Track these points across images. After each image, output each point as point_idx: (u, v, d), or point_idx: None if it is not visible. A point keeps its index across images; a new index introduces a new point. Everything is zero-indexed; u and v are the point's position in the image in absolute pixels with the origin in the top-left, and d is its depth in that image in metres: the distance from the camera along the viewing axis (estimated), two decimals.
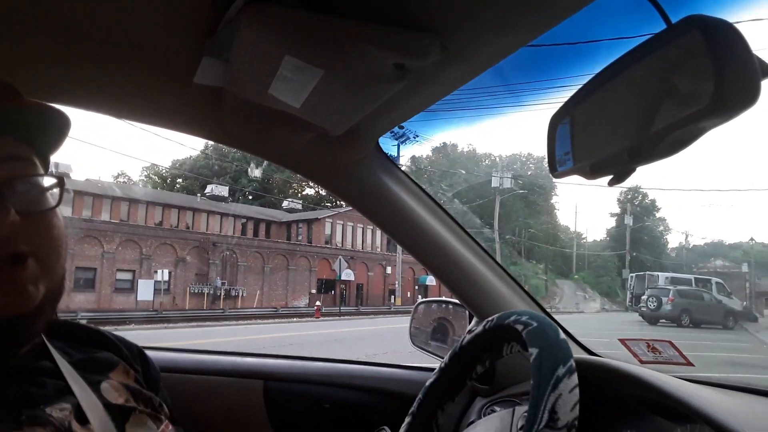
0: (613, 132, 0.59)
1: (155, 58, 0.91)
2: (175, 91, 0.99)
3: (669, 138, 0.52)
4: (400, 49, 0.70)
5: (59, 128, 0.80)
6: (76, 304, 22.73)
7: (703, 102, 0.47)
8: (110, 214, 28.49)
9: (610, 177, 0.60)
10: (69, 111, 0.81)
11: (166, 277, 26.63)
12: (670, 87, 0.51)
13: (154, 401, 0.89)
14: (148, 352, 1.03)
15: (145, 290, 25.76)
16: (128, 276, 26.65)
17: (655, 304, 22.41)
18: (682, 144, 0.52)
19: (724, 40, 0.47)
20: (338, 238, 36.70)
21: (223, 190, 37.33)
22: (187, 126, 1.16)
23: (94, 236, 25.59)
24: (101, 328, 0.99)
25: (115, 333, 1.00)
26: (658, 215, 60.62)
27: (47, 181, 0.77)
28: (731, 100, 0.46)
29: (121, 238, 26.46)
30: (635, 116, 0.56)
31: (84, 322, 1.03)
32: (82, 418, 0.75)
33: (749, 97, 0.46)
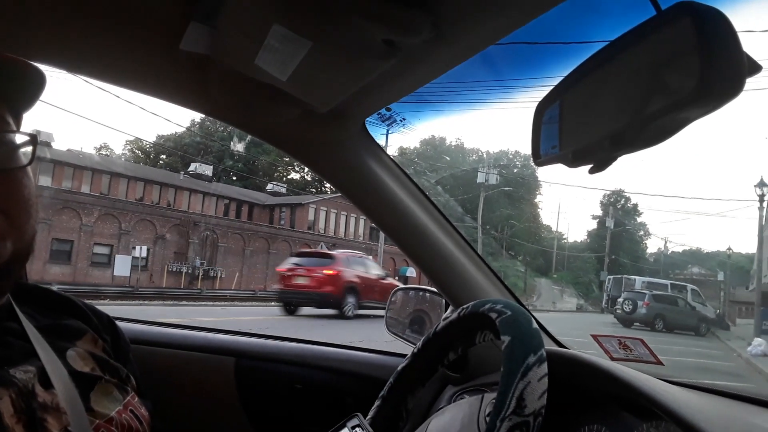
0: (598, 119, 0.59)
1: (142, 22, 0.88)
2: (161, 57, 0.97)
3: (652, 126, 0.52)
4: (390, 25, 0.69)
5: (34, 85, 0.79)
6: (51, 276, 22.49)
7: (687, 90, 0.47)
8: (90, 187, 28.12)
9: (590, 165, 0.60)
10: (52, 72, 0.79)
11: (144, 254, 26.42)
12: (657, 74, 0.51)
13: (121, 372, 0.88)
14: (120, 323, 1.02)
15: (122, 266, 25.51)
16: (106, 250, 26.39)
17: (631, 307, 22.72)
18: (665, 134, 0.52)
19: (714, 28, 0.46)
20: (321, 224, 36.63)
21: (207, 169, 37.03)
22: (172, 95, 1.13)
23: (73, 208, 25.26)
24: (71, 296, 0.97)
25: (87, 302, 0.99)
26: (639, 220, 61.40)
27: (19, 138, 0.75)
28: (715, 90, 0.46)
29: (100, 212, 26.16)
30: (620, 103, 0.56)
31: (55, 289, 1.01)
32: (45, 383, 0.74)
33: (733, 90, 0.46)
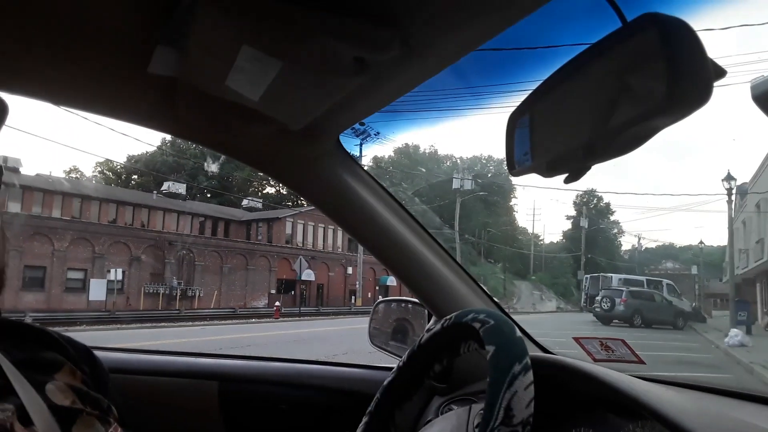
0: (570, 130, 0.60)
1: (107, 46, 0.87)
2: (128, 80, 0.96)
3: (623, 136, 0.52)
4: (360, 43, 0.69)
5: None
6: (24, 304, 21.91)
7: (656, 100, 0.48)
8: (61, 211, 27.57)
9: (565, 175, 0.60)
10: (14, 100, 0.77)
11: (119, 277, 25.96)
12: (625, 84, 0.52)
13: (102, 403, 0.86)
14: (98, 353, 1.00)
15: (97, 290, 25.02)
16: (80, 275, 25.86)
17: (609, 304, 22.98)
18: (636, 142, 0.53)
19: (680, 38, 0.47)
20: (299, 237, 36.44)
21: (180, 188, 36.60)
22: (141, 117, 1.12)
23: (44, 233, 24.74)
24: (47, 327, 0.95)
25: (63, 333, 0.97)
26: (612, 218, 62.28)
27: None
28: (684, 99, 0.47)
29: (72, 236, 25.67)
30: (591, 114, 0.56)
31: (30, 321, 0.99)
32: (25, 420, 0.72)
33: (701, 97, 0.46)
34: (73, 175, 45.24)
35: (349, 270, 36.34)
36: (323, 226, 36.76)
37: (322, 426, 1.47)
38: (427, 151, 61.70)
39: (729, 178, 22.72)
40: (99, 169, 48.95)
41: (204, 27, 0.70)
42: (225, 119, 1.01)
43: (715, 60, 0.48)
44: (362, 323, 1.85)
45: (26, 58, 0.89)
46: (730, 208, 23.28)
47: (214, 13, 0.68)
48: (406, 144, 58.07)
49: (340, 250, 37.85)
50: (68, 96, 1.04)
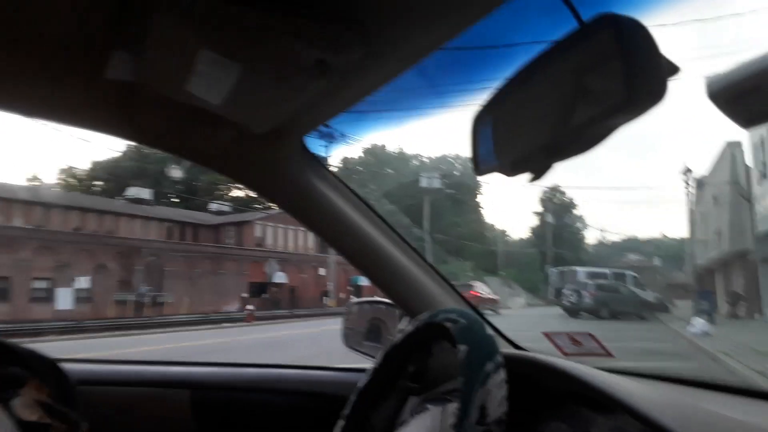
0: (531, 130, 0.61)
1: (60, 51, 0.84)
2: (83, 86, 0.93)
3: (583, 134, 0.53)
4: (321, 45, 0.69)
5: None
6: None
7: (613, 99, 0.49)
8: (23, 219, 26.83)
9: (529, 174, 0.61)
10: None
11: (86, 285, 25.35)
12: (583, 84, 0.53)
13: (71, 416, 0.85)
14: (65, 365, 0.98)
15: (64, 299, 24.38)
16: (45, 284, 25.17)
17: (576, 297, 23.33)
18: (596, 140, 0.54)
19: (634, 38, 0.48)
20: (269, 240, 36.14)
21: (146, 193, 35.94)
22: (98, 124, 1.09)
23: (6, 243, 24.02)
24: (10, 341, 0.93)
25: (27, 346, 0.95)
26: (576, 213, 63.27)
27: None
28: (640, 97, 0.48)
29: (36, 245, 24.97)
30: (551, 114, 0.57)
31: None
32: None
33: (657, 94, 0.48)
34: (35, 183, 43.99)
35: (321, 271, 36.19)
36: (293, 228, 36.52)
37: (299, 430, 1.46)
38: (394, 150, 61.78)
39: (687, 171, 23.37)
40: (61, 176, 47.71)
41: (162, 31, 0.69)
42: (186, 124, 0.99)
43: (670, 57, 0.49)
44: (335, 324, 1.84)
45: None
46: (688, 201, 23.97)
47: (173, 16, 0.66)
48: (373, 144, 58.03)
49: (311, 252, 37.66)
50: (20, 103, 1.01)
